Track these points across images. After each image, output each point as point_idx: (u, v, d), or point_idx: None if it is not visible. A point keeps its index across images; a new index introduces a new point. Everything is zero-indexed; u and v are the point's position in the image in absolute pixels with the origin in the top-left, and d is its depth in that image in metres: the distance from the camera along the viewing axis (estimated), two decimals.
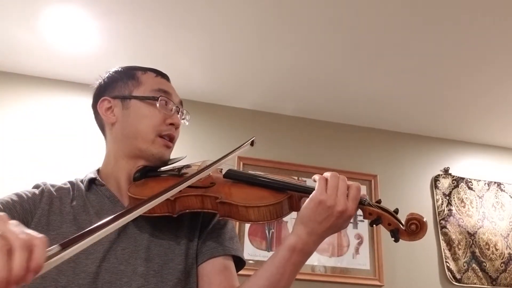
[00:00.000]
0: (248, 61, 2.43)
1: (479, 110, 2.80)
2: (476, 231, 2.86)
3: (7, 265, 0.44)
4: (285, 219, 2.60)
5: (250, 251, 2.46)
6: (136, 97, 0.93)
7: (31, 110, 2.51)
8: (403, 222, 0.77)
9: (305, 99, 2.79)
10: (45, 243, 0.48)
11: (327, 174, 0.80)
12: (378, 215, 0.78)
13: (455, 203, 2.93)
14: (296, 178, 0.90)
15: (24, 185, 0.93)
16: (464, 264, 2.75)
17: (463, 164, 3.11)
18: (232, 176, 0.89)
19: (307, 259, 0.79)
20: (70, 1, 2.00)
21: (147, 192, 0.84)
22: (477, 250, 2.80)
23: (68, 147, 2.45)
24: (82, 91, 2.47)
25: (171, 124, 0.94)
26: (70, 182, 0.95)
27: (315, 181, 0.80)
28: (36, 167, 2.33)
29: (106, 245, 0.81)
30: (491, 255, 2.81)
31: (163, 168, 0.94)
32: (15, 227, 0.48)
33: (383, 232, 2.64)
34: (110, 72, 1.00)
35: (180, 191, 0.81)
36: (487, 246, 2.83)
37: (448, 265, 2.72)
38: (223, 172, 0.90)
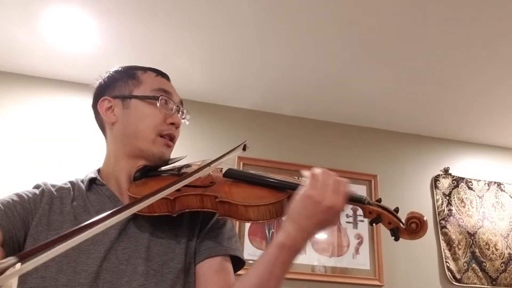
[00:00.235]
0: (248, 61, 2.43)
1: (479, 110, 2.80)
2: (476, 231, 2.86)
3: None
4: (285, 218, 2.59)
5: (250, 251, 2.46)
6: (136, 97, 0.93)
7: (31, 110, 2.51)
8: (403, 221, 0.77)
9: (305, 99, 2.79)
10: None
11: (317, 170, 0.80)
12: (378, 214, 0.78)
13: (455, 203, 2.93)
14: (296, 178, 0.90)
15: (24, 185, 0.93)
16: (464, 264, 2.75)
17: (463, 164, 3.11)
18: (232, 175, 0.89)
19: (296, 257, 0.78)
20: (70, 1, 2.00)
21: (147, 192, 0.84)
22: (477, 250, 2.80)
23: (68, 147, 2.45)
24: (82, 91, 2.47)
25: (172, 123, 0.93)
26: (71, 182, 0.95)
27: (303, 176, 0.80)
28: (36, 167, 2.33)
29: (107, 245, 0.82)
30: (491, 255, 2.81)
31: (163, 168, 0.94)
32: None
33: (383, 232, 2.64)
34: (110, 72, 0.99)
35: (180, 190, 0.81)
36: (487, 246, 2.83)
37: (448, 265, 2.72)
38: (223, 171, 0.90)
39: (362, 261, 2.61)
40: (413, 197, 2.89)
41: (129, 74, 0.97)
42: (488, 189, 3.05)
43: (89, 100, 1.00)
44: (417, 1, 1.94)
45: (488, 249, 2.82)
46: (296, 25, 2.12)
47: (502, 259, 2.82)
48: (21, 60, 2.44)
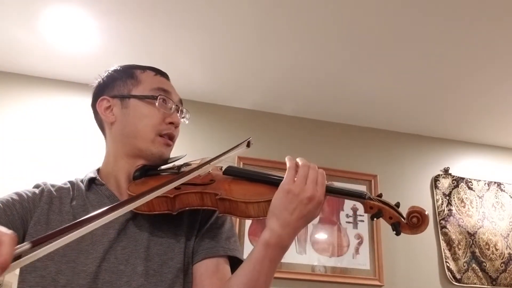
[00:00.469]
0: (248, 61, 2.43)
1: (479, 110, 2.80)
2: (476, 231, 2.86)
3: None
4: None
5: (250, 251, 2.46)
6: (135, 96, 0.92)
7: (31, 110, 2.51)
8: (404, 215, 0.77)
9: (305, 99, 2.79)
10: (13, 239, 0.47)
11: (298, 163, 0.81)
12: (379, 209, 0.78)
13: (455, 203, 2.93)
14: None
15: (24, 185, 0.93)
16: (464, 264, 2.75)
17: (463, 164, 3.11)
18: (231, 173, 0.89)
19: (283, 254, 0.78)
20: (70, 1, 2.00)
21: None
22: (477, 250, 2.80)
23: (68, 147, 2.45)
24: (82, 91, 2.47)
25: (171, 123, 0.93)
26: (70, 182, 0.95)
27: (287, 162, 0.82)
28: (36, 167, 2.33)
29: (106, 245, 0.81)
30: (491, 255, 2.81)
31: (163, 167, 0.94)
32: None
33: (383, 232, 2.65)
34: (109, 71, 0.99)
35: (180, 188, 0.81)
36: (487, 246, 2.83)
37: (448, 265, 2.72)
38: (223, 169, 0.90)
39: (362, 261, 2.60)
40: (413, 197, 2.89)
41: (128, 73, 0.97)
42: (488, 189, 3.05)
43: (89, 100, 0.99)
44: (417, 1, 1.94)
45: (488, 249, 2.82)
46: (296, 25, 2.12)
47: (502, 259, 2.82)
48: (21, 60, 2.45)
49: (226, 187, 0.83)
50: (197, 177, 0.83)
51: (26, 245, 0.48)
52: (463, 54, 2.28)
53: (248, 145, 0.90)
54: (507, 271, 2.80)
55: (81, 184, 0.93)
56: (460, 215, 2.89)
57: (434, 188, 2.95)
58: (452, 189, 2.97)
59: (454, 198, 2.94)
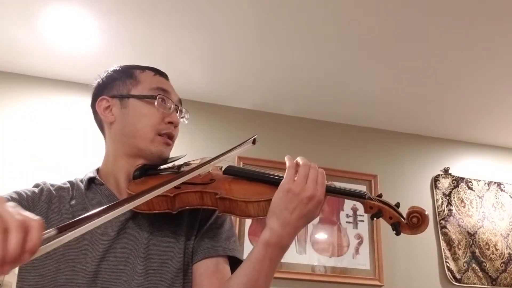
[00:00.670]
0: (248, 61, 2.43)
1: (479, 110, 2.80)
2: (476, 231, 2.86)
3: (3, 244, 0.45)
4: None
5: (250, 251, 2.46)
6: (134, 96, 0.93)
7: (31, 110, 2.51)
8: (404, 215, 0.77)
9: (305, 99, 2.79)
10: (41, 225, 0.49)
11: (298, 162, 0.81)
12: (379, 209, 0.78)
13: (455, 203, 2.93)
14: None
15: (24, 185, 0.93)
16: (464, 264, 2.75)
17: (463, 164, 3.11)
18: (231, 172, 0.89)
19: (283, 253, 0.78)
20: (70, 1, 2.01)
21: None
22: (477, 250, 2.80)
23: (68, 147, 2.45)
24: (82, 91, 2.47)
25: (170, 122, 0.93)
26: (70, 182, 0.95)
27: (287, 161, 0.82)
28: (36, 167, 2.33)
29: (105, 244, 0.81)
30: (491, 255, 2.81)
31: (162, 166, 0.94)
32: (12, 208, 0.49)
33: (383, 232, 2.65)
34: (109, 71, 0.99)
35: (180, 188, 0.81)
36: (487, 246, 2.83)
37: (448, 265, 2.72)
38: (223, 169, 0.90)
39: (362, 261, 2.60)
40: (413, 197, 2.89)
41: (127, 73, 0.97)
42: (488, 189, 3.05)
43: (89, 100, 1.00)
44: (417, 1, 1.94)
45: (488, 249, 2.82)
46: (296, 25, 2.12)
47: (502, 259, 2.82)
48: (21, 60, 2.45)
49: (226, 187, 0.83)
50: (197, 177, 0.83)
51: (52, 231, 0.50)
52: (463, 54, 2.28)
53: (254, 142, 0.91)
54: (507, 271, 2.80)
55: (80, 183, 0.94)
56: (460, 215, 2.89)
57: (434, 188, 2.95)
58: (452, 189, 2.97)
59: (454, 198, 2.94)
